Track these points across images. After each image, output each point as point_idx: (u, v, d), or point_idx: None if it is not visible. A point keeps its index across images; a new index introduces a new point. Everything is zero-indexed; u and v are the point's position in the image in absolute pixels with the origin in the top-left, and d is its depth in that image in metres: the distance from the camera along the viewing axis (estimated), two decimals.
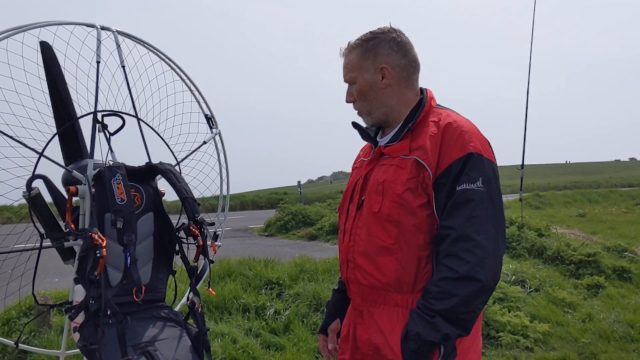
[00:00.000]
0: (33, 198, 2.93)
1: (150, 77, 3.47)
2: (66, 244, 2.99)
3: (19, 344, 3.12)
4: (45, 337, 4.96)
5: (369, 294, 2.08)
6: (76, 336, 2.89)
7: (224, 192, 3.99)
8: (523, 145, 9.54)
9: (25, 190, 2.89)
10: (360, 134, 2.29)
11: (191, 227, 3.17)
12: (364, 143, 2.39)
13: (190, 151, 3.63)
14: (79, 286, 2.97)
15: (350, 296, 2.22)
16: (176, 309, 3.50)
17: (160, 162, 3.17)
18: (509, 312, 5.79)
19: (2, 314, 5.16)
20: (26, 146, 2.85)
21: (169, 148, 3.50)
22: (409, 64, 2.13)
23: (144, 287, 3.00)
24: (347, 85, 2.21)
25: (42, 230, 2.96)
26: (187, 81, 3.71)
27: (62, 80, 3.16)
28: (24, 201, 2.96)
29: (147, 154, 3.28)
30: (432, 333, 1.82)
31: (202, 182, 3.76)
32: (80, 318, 2.88)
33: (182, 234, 3.16)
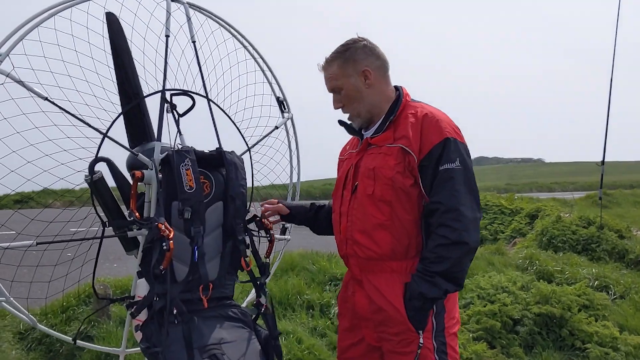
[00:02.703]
0: (95, 182, 2.71)
1: (222, 54, 3.19)
2: (129, 234, 2.76)
3: (77, 341, 2.91)
4: (103, 327, 4.80)
5: (366, 264, 2.44)
6: (138, 335, 2.67)
7: (294, 181, 3.69)
8: (604, 140, 8.94)
9: (87, 173, 2.68)
10: (347, 129, 2.61)
11: (263, 220, 2.90)
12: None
13: (262, 136, 3.34)
14: (142, 280, 2.74)
15: (349, 269, 2.57)
16: (242, 305, 3.22)
17: (232, 151, 2.89)
18: (596, 322, 5.32)
19: (60, 301, 5.01)
20: (90, 126, 2.62)
21: (240, 133, 3.23)
22: (383, 63, 2.49)
23: (211, 284, 2.73)
24: (331, 95, 2.54)
25: (104, 218, 2.74)
26: (260, 60, 3.42)
27: (128, 55, 2.92)
28: (85, 185, 2.74)
29: (218, 138, 3.02)
30: (434, 290, 2.22)
31: (273, 170, 3.47)
32: (142, 315, 2.66)
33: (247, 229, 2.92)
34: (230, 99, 3.20)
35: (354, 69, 2.44)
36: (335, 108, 2.54)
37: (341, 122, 2.62)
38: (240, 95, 3.26)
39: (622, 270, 7.80)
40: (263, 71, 3.44)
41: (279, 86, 3.48)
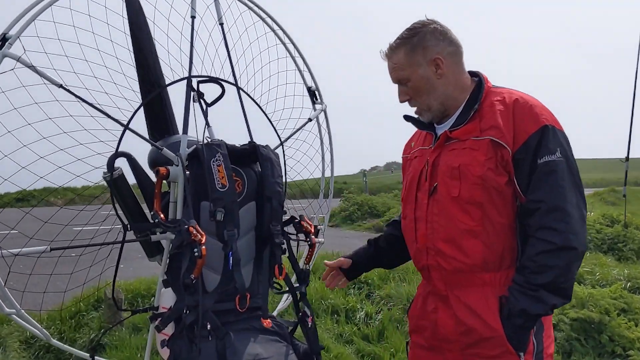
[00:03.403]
0: (115, 180, 2.44)
1: (251, 38, 2.89)
2: (153, 238, 2.47)
3: (96, 357, 2.61)
4: (116, 334, 4.54)
5: (453, 278, 2.12)
6: (165, 352, 2.39)
7: (327, 177, 3.39)
8: (629, 136, 8.63)
9: (106, 170, 2.39)
10: (415, 124, 2.35)
11: (302, 222, 2.60)
12: (413, 132, 2.51)
13: (295, 129, 3.04)
14: (168, 290, 2.45)
15: (430, 282, 2.25)
16: (273, 313, 2.92)
17: (266, 145, 2.60)
18: (636, 327, 5.03)
19: (69, 305, 4.72)
20: (109, 117, 2.32)
21: (272, 125, 2.92)
22: (456, 49, 2.18)
23: (248, 294, 2.44)
24: (396, 86, 2.25)
25: (125, 221, 2.45)
26: (290, 46, 3.12)
27: (148, 37, 2.63)
28: (103, 183, 2.47)
29: (249, 131, 2.73)
30: (538, 306, 1.92)
31: (306, 167, 3.18)
32: (169, 329, 2.37)
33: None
34: (260, 88, 2.91)
35: (423, 57, 2.13)
36: (401, 101, 2.25)
37: (408, 118, 2.35)
38: (271, 84, 2.96)
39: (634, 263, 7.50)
40: (293, 58, 3.14)
41: (311, 74, 3.18)
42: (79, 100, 2.25)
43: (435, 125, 2.27)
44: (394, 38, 2.20)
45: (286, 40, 3.10)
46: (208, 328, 2.22)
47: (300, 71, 3.17)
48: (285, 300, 3.35)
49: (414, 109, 2.27)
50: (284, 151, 2.95)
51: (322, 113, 3.25)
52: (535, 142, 1.97)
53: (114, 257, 2.43)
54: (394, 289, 5.58)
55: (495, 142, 2.01)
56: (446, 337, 2.15)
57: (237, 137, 2.62)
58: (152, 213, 2.35)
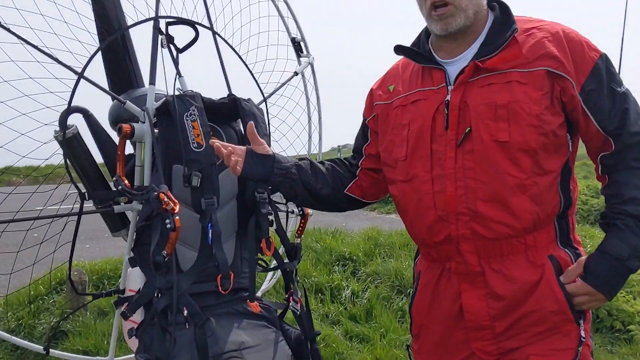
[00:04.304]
0: (69, 140, 2.08)
1: None
2: (116, 209, 2.09)
3: (51, 350, 2.24)
4: (79, 320, 4.15)
5: (493, 247, 1.70)
6: (132, 342, 2.07)
7: (315, 142, 3.03)
8: None
9: (58, 128, 2.05)
10: (412, 56, 1.86)
11: None
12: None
13: (280, 84, 2.67)
14: (135, 270, 2.10)
15: (451, 260, 1.77)
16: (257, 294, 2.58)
17: (249, 99, 2.24)
18: (635, 300, 4.82)
19: (25, 290, 4.28)
20: (59, 62, 1.94)
21: (254, 78, 2.55)
22: None
23: (232, 274, 2.08)
24: None
25: (82, 188, 2.08)
26: None
27: None
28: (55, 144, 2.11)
29: (227, 82, 2.36)
30: None
31: (292, 127, 2.82)
32: (137, 316, 2.07)
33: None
34: (240, 35, 2.53)
35: None
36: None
37: (401, 48, 1.88)
38: (251, 31, 2.58)
39: None
40: (275, 3, 2.75)
41: (296, 23, 2.81)
42: (21, 41, 1.89)
43: (438, 60, 1.80)
44: None
45: None
46: (185, 314, 1.88)
47: (282, 18, 2.79)
48: (270, 280, 3.01)
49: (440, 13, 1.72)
50: (267, 109, 2.59)
51: (309, 67, 2.88)
52: (605, 71, 1.65)
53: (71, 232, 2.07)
54: (381, 265, 5.30)
55: (553, 73, 1.64)
56: (476, 324, 1.75)
57: (213, 92, 2.25)
58: (114, 179, 2.00)
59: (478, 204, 1.68)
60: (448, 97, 1.70)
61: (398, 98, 1.86)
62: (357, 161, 2.02)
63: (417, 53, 1.83)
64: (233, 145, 1.80)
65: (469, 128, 1.68)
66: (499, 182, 1.67)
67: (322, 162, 2.02)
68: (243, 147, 1.82)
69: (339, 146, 23.21)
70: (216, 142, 1.79)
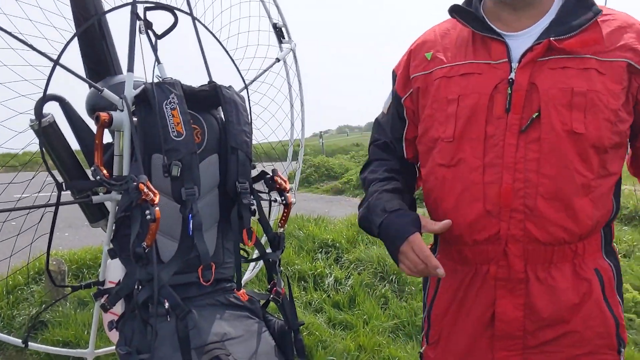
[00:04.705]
0: (45, 129, 2.01)
1: None
2: (95, 199, 2.04)
3: (30, 344, 2.20)
4: (59, 310, 4.09)
5: (542, 253, 1.51)
6: (113, 335, 2.03)
7: (298, 129, 2.99)
8: None
9: (33, 118, 1.98)
10: (467, 21, 1.59)
11: (276, 178, 2.21)
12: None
13: (262, 70, 2.63)
14: (115, 261, 2.05)
15: (492, 262, 1.55)
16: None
17: (230, 86, 2.20)
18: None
19: (3, 281, 4.23)
20: (34, 49, 1.88)
21: (235, 65, 2.50)
22: None
23: (213, 265, 2.05)
24: None
25: (59, 179, 2.02)
26: None
27: None
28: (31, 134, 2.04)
29: (207, 69, 2.31)
30: None
31: (274, 115, 2.77)
32: (118, 308, 2.01)
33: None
34: (220, 20, 2.48)
35: None
36: None
37: (456, 9, 1.62)
38: (232, 17, 2.53)
39: (621, 227, 7.40)
40: None
41: (278, 8, 2.76)
42: None
43: (498, 32, 1.56)
44: None
45: None
46: (166, 306, 1.84)
47: (263, 3, 2.74)
48: (252, 270, 2.98)
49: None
50: (248, 96, 2.54)
51: (291, 53, 2.83)
52: None
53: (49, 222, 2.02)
54: (364, 252, 5.29)
55: (634, 67, 1.47)
56: (507, 334, 1.57)
57: (192, 78, 2.20)
58: (92, 169, 1.94)
59: (538, 200, 1.48)
60: (512, 75, 1.49)
61: (440, 68, 1.61)
62: (405, 154, 1.79)
63: (475, 18, 1.58)
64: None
65: (536, 113, 1.48)
66: (565, 179, 1.48)
67: (388, 181, 1.71)
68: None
69: (320, 132, 23.17)
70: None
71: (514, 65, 1.49)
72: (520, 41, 1.53)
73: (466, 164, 1.52)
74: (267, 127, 2.78)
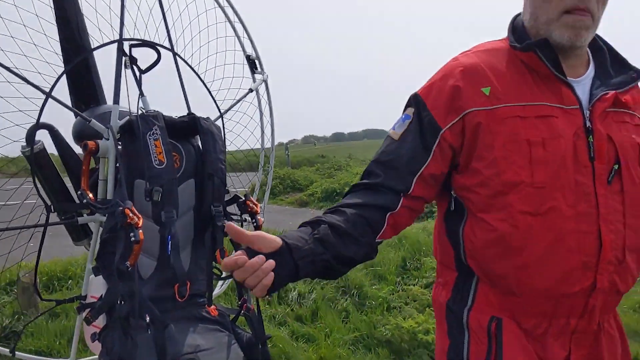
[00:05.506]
0: (36, 155, 2.18)
1: (188, 0, 2.64)
2: (81, 220, 2.21)
3: (17, 353, 2.34)
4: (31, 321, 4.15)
5: (613, 303, 1.50)
6: (96, 347, 2.18)
7: (270, 158, 3.20)
8: None
9: (25, 144, 2.15)
10: (548, 60, 1.44)
11: (248, 202, 2.41)
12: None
13: (235, 100, 2.83)
14: (98, 277, 2.21)
15: (577, 314, 1.44)
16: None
17: (207, 117, 2.39)
18: None
19: None
20: (28, 82, 2.04)
21: (211, 95, 2.70)
22: None
23: (188, 282, 2.24)
24: None
25: (48, 201, 2.19)
26: (229, 10, 2.89)
27: None
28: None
29: (187, 101, 2.50)
30: None
31: (246, 140, 2.97)
32: (100, 321, 2.16)
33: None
34: (199, 55, 2.67)
35: None
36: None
37: (543, 43, 1.43)
38: (209, 51, 2.73)
39: None
40: (232, 23, 2.91)
41: (251, 42, 2.97)
42: None
43: (564, 74, 1.45)
44: None
45: (225, 4, 2.86)
46: (147, 320, 2.01)
47: (239, 38, 2.95)
48: (221, 286, 3.16)
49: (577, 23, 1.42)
50: (223, 124, 2.73)
51: (263, 84, 3.04)
52: None
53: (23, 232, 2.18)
54: None
55: None
56: None
57: (172, 109, 2.39)
58: (79, 192, 2.11)
59: (626, 252, 1.43)
60: (588, 124, 1.41)
61: (508, 106, 1.44)
62: (403, 187, 1.47)
63: (552, 59, 1.45)
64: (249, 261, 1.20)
65: (617, 164, 1.43)
66: None
67: (339, 211, 1.45)
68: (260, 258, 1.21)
69: (286, 144, 23.29)
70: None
71: (587, 113, 1.43)
72: (581, 88, 1.47)
73: (560, 212, 1.39)
74: (240, 153, 2.98)
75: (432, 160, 1.47)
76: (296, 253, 1.28)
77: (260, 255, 1.21)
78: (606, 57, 1.54)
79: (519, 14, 1.57)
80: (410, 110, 1.52)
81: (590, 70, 1.50)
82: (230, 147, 2.83)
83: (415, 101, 1.52)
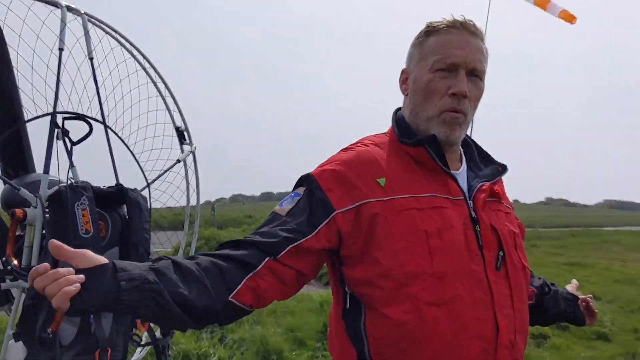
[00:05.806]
0: None
1: (121, 75, 2.78)
2: (3, 285, 2.24)
3: None
4: None
5: None
6: None
7: (194, 225, 3.31)
8: None
9: None
10: (435, 154, 1.52)
11: None
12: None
13: (162, 171, 2.95)
14: (18, 343, 2.23)
15: None
16: None
17: (134, 188, 2.50)
18: None
19: None
20: None
21: (139, 166, 2.81)
22: None
23: (109, 349, 2.29)
24: (462, 75, 1.52)
25: None
26: (161, 84, 3.04)
27: (7, 66, 2.43)
28: None
29: (115, 173, 2.60)
30: None
31: (171, 209, 3.07)
32: None
33: None
34: (129, 127, 2.79)
35: (486, 64, 1.60)
36: (461, 93, 1.50)
37: (432, 140, 1.52)
38: (140, 124, 2.86)
39: None
40: (163, 97, 3.06)
41: (181, 115, 3.11)
42: None
43: (447, 167, 1.55)
44: (466, 19, 1.56)
45: (157, 79, 3.02)
46: None
47: (169, 111, 3.09)
48: (140, 352, 3.19)
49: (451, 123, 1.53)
50: (150, 193, 2.84)
51: (191, 155, 3.18)
52: None
53: None
54: (248, 332, 5.45)
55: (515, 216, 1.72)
56: None
57: (100, 177, 2.48)
58: (3, 259, 2.15)
59: (516, 335, 1.49)
60: (473, 214, 1.50)
61: (404, 198, 1.47)
62: (272, 250, 1.38)
63: (438, 154, 1.53)
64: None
65: (501, 251, 1.52)
66: (526, 311, 1.56)
67: (193, 257, 1.34)
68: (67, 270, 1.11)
69: (212, 203, 23.15)
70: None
71: (470, 204, 1.52)
72: (461, 180, 1.57)
73: (462, 301, 1.41)
74: (164, 219, 3.07)
75: (314, 236, 1.42)
76: (122, 274, 1.15)
77: (70, 268, 1.11)
78: (474, 152, 1.69)
79: (399, 108, 1.69)
80: (301, 189, 1.51)
81: (464, 164, 1.63)
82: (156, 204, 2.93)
83: (308, 181, 1.50)
